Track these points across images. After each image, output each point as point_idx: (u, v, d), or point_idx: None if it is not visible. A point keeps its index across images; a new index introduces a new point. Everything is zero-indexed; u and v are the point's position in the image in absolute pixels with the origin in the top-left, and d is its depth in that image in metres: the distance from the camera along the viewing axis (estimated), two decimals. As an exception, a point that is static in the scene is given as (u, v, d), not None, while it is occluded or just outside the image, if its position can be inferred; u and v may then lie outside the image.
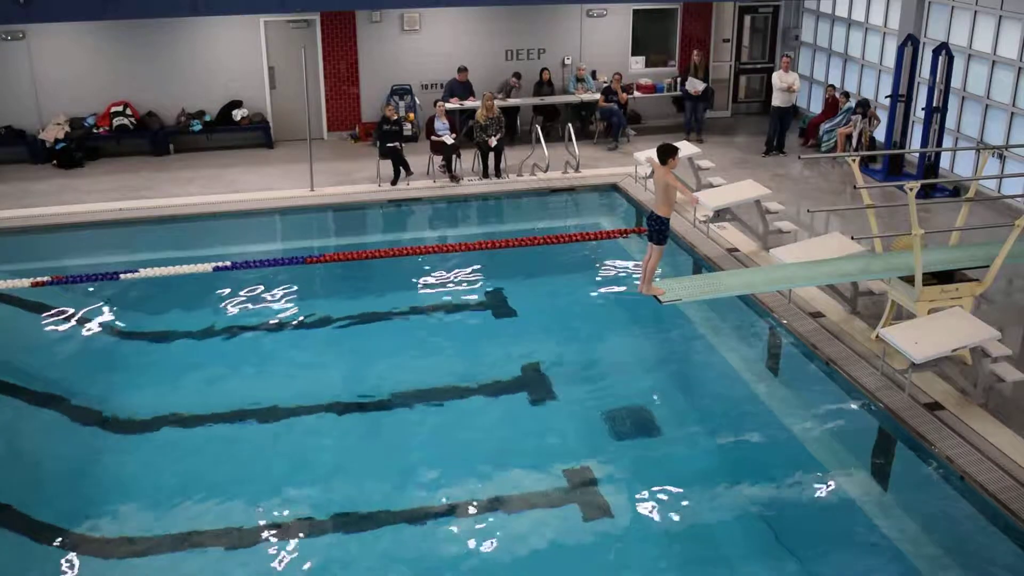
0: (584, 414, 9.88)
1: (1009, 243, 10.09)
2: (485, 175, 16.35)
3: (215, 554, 8.01)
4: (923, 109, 15.54)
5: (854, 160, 10.96)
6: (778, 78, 17.62)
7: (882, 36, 17.68)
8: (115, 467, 9.14)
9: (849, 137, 17.02)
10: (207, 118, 17.97)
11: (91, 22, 16.73)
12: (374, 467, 9.09)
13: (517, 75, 18.68)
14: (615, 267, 13.66)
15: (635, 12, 19.56)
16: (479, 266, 13.42)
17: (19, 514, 8.46)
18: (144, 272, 12.76)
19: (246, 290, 12.63)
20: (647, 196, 15.51)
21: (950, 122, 15.66)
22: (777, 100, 17.67)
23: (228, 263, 13.18)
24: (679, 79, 19.44)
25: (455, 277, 13.15)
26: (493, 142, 16.23)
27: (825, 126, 17.94)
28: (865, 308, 11.40)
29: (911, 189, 9.85)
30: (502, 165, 16.44)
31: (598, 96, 18.54)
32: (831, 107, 18.20)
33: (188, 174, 16.61)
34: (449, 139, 16.31)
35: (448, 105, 17.45)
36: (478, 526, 8.30)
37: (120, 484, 8.88)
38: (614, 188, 16.25)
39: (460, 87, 18.20)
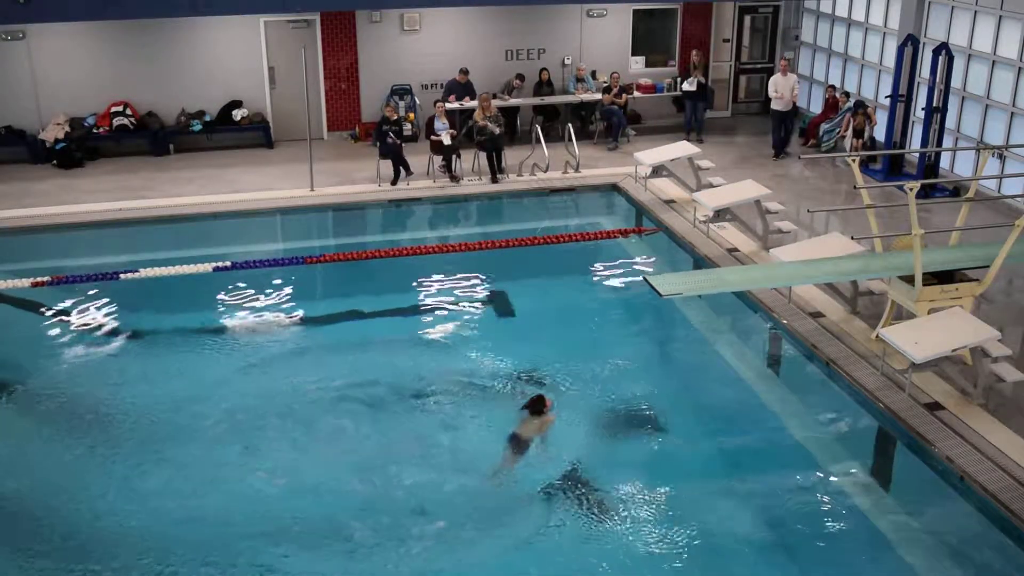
0: (584, 413, 9.86)
1: (1009, 243, 10.09)
2: (494, 180, 16.21)
3: (209, 558, 8.01)
4: (923, 109, 15.54)
5: (854, 160, 10.97)
6: (772, 87, 17.54)
7: (882, 36, 17.68)
8: (112, 467, 9.14)
9: (860, 133, 16.91)
10: (207, 118, 17.96)
11: (91, 22, 16.72)
12: (372, 467, 9.09)
13: (520, 76, 18.69)
14: (615, 267, 13.66)
15: (635, 12, 19.55)
16: (479, 266, 13.41)
17: (12, 514, 8.48)
18: (144, 272, 12.77)
19: (246, 290, 12.63)
20: (647, 196, 15.53)
21: (950, 122, 15.65)
22: (776, 104, 17.60)
23: (228, 263, 13.18)
24: (679, 79, 19.41)
25: (455, 277, 13.15)
26: (497, 131, 16.19)
27: (825, 126, 17.94)
28: (865, 308, 11.39)
29: (911, 189, 9.85)
30: (502, 165, 16.42)
31: (598, 96, 18.55)
32: (831, 107, 18.21)
33: (188, 174, 16.61)
34: (447, 138, 16.27)
35: (448, 105, 17.45)
36: (477, 526, 8.30)
37: (117, 485, 8.88)
38: (614, 188, 16.24)
39: (460, 88, 18.19)
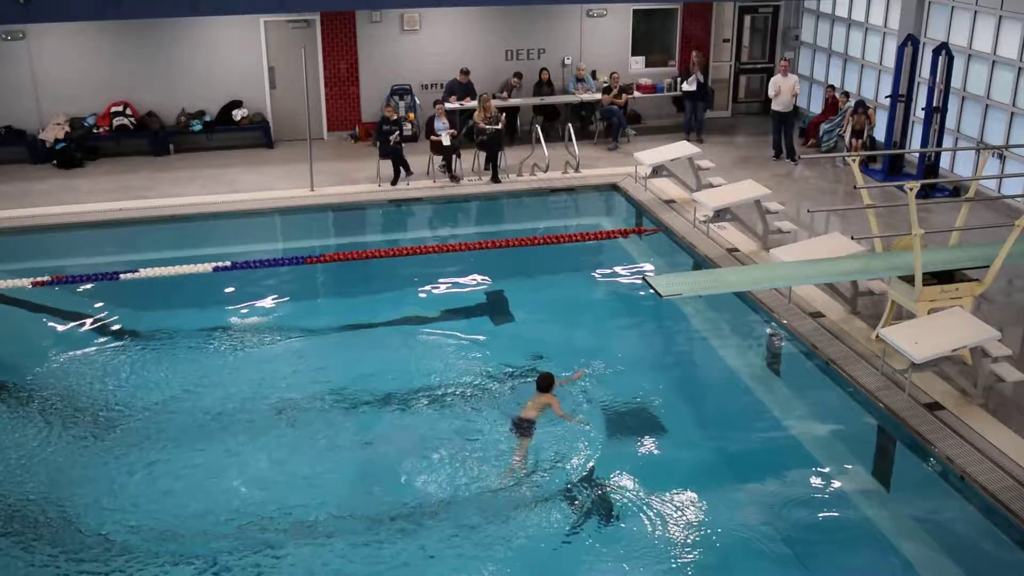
0: (584, 414, 9.86)
1: (1009, 243, 10.09)
2: (494, 180, 16.20)
3: (207, 558, 8.01)
4: (923, 109, 15.55)
5: (854, 160, 10.97)
6: (772, 87, 17.52)
7: (882, 36, 17.68)
8: (110, 466, 9.14)
9: (860, 134, 16.91)
10: (207, 118, 17.97)
11: (91, 22, 16.72)
12: (371, 467, 9.09)
13: (518, 75, 18.71)
14: (615, 267, 13.66)
15: (635, 12, 19.55)
16: (479, 266, 13.41)
17: (11, 513, 8.48)
18: (144, 272, 12.77)
19: (246, 290, 12.63)
20: (647, 196, 15.52)
21: (950, 122, 15.65)
22: (777, 104, 17.57)
23: (228, 263, 13.18)
24: (679, 79, 19.40)
25: (455, 277, 13.15)
26: (499, 125, 16.20)
27: (825, 126, 17.94)
28: (865, 308, 11.39)
29: (911, 189, 9.85)
30: (502, 165, 16.42)
31: (598, 96, 18.55)
32: (831, 107, 18.21)
33: (188, 174, 16.61)
34: (446, 138, 16.26)
35: (448, 105, 17.46)
36: (476, 528, 8.29)
37: (116, 484, 8.88)
38: (614, 188, 16.24)
39: (461, 88, 18.19)
